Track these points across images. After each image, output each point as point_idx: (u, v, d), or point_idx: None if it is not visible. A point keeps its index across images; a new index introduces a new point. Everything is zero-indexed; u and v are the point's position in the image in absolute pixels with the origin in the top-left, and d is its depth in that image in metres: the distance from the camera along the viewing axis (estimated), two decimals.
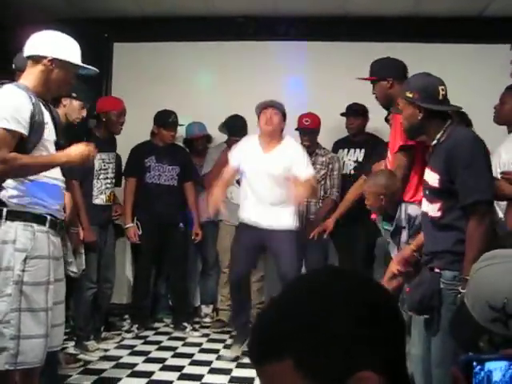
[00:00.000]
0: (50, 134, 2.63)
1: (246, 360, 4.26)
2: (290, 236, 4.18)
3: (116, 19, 5.67)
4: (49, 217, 2.61)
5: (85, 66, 2.74)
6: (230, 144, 5.00)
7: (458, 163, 2.44)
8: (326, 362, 0.76)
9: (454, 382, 0.87)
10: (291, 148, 4.26)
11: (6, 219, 2.50)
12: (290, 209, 4.22)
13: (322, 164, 4.94)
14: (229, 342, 4.76)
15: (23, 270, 2.49)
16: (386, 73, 3.43)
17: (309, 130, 4.91)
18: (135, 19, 5.67)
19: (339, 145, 5.18)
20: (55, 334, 2.67)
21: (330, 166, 4.94)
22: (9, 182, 2.54)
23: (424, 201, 2.66)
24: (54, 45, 2.63)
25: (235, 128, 5.15)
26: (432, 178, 2.56)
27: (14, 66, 3.09)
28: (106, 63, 5.67)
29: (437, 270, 2.55)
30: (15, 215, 2.51)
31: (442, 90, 2.59)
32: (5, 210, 2.51)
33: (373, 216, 3.53)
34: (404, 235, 2.97)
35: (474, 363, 0.87)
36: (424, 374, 2.64)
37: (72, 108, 3.64)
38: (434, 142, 2.59)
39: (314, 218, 4.83)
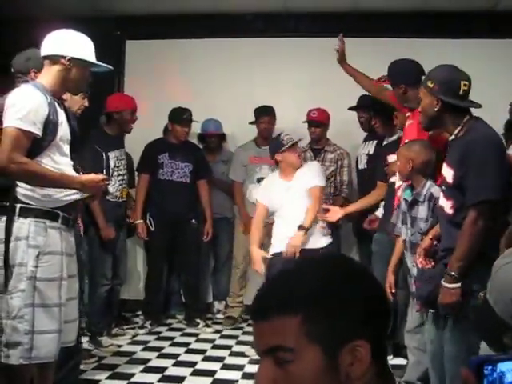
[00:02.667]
0: (64, 133, 2.65)
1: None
2: None
3: (128, 17, 5.69)
4: (61, 213, 2.64)
5: (101, 64, 2.76)
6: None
7: (469, 160, 2.43)
8: (331, 325, 0.90)
9: (464, 383, 0.84)
10: (306, 166, 4.12)
11: (19, 216, 2.53)
12: (321, 228, 4.04)
13: (331, 161, 4.92)
14: (241, 338, 4.78)
15: (36, 266, 2.51)
16: (398, 79, 3.42)
17: (315, 123, 4.92)
18: (147, 17, 5.68)
19: (364, 139, 4.92)
20: (69, 329, 2.70)
21: (339, 163, 4.92)
22: None
23: (441, 195, 2.66)
24: (71, 44, 2.65)
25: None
26: (447, 173, 2.55)
27: (12, 69, 3.00)
28: (118, 61, 5.68)
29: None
30: (28, 212, 2.54)
31: (465, 85, 2.54)
32: (18, 206, 2.53)
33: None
34: (422, 211, 2.95)
35: (486, 364, 0.83)
36: (437, 369, 2.65)
37: (73, 101, 3.49)
38: (452, 137, 2.58)
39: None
